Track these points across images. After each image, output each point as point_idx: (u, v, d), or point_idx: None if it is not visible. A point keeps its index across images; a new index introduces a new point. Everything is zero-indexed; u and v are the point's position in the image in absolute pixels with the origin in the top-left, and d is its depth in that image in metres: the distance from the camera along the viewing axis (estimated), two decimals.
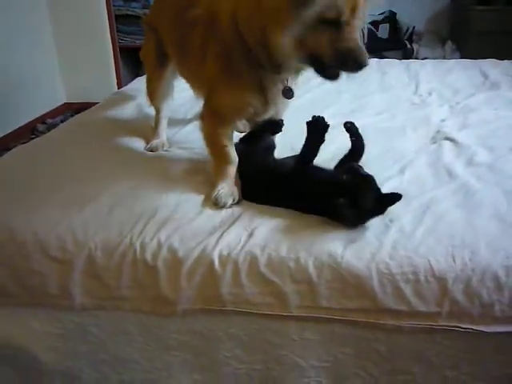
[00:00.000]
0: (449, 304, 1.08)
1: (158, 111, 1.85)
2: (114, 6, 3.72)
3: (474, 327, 1.07)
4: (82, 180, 1.46)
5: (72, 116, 3.78)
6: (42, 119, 3.69)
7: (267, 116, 1.46)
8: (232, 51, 1.33)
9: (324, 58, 1.21)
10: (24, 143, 3.25)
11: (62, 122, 3.73)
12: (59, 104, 3.92)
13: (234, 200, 1.32)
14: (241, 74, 1.34)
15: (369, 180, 1.22)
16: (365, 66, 1.19)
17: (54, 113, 3.81)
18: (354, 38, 1.19)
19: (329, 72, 1.26)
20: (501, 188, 1.35)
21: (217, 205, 1.30)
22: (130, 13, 3.76)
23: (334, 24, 1.17)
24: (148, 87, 1.86)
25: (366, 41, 1.30)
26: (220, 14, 1.35)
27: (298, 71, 1.37)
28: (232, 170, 1.40)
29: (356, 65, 1.19)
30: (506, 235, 1.15)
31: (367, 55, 1.19)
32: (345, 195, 1.18)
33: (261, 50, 1.26)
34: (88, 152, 1.66)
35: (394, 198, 1.21)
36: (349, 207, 1.17)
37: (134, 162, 1.59)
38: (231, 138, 1.46)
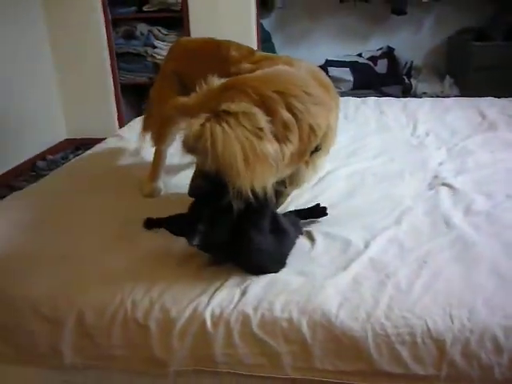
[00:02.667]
0: (447, 367, 1.04)
1: (160, 155, 1.83)
2: (115, 44, 3.78)
3: None
4: (74, 238, 1.45)
5: (72, 153, 3.82)
6: (42, 156, 3.69)
7: None
8: None
9: None
10: (24, 180, 3.30)
11: (62, 158, 3.73)
12: (60, 140, 3.93)
13: None
14: None
15: None
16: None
17: (54, 149, 3.81)
18: None
19: None
20: (499, 240, 1.33)
21: None
22: (130, 50, 3.81)
23: None
24: (157, 130, 1.83)
25: None
26: None
27: None
28: None
29: None
30: (505, 293, 1.13)
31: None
32: None
33: None
34: (82, 205, 1.65)
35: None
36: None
37: (126, 214, 1.56)
38: None
